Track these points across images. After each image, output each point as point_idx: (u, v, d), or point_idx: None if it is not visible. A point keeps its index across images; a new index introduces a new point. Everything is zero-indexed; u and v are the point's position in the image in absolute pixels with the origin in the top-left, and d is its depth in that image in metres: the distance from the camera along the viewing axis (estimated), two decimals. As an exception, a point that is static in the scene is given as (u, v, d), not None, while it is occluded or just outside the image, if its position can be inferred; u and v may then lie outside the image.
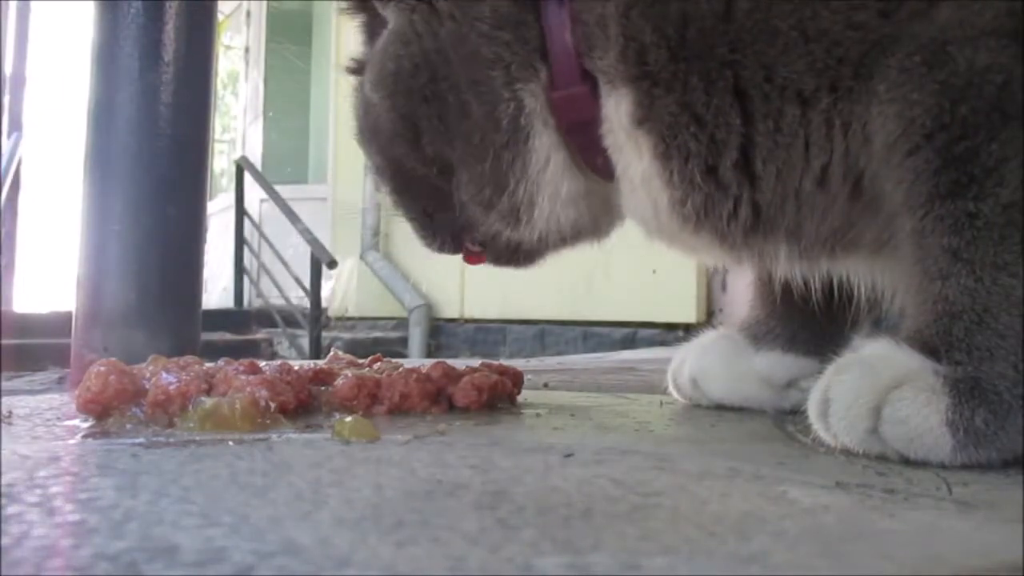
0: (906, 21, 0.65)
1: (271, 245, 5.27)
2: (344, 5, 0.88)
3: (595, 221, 0.85)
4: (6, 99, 5.64)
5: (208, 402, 0.74)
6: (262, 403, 0.75)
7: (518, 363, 1.43)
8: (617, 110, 0.75)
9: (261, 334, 5.29)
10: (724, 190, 0.73)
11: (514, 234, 0.83)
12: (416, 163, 0.83)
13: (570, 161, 0.79)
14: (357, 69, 0.89)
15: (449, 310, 4.74)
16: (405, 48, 0.80)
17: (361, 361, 0.98)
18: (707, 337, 0.96)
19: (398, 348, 4.69)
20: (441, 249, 0.91)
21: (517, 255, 0.87)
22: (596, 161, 0.79)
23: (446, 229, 0.88)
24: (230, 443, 0.66)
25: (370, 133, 0.87)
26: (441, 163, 0.82)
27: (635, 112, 0.73)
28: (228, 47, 7.57)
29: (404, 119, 0.81)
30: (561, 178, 0.80)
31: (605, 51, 0.74)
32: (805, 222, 0.73)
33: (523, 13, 0.76)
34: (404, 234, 0.96)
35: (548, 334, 4.18)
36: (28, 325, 3.79)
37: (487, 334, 4.50)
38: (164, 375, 0.77)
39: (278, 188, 5.28)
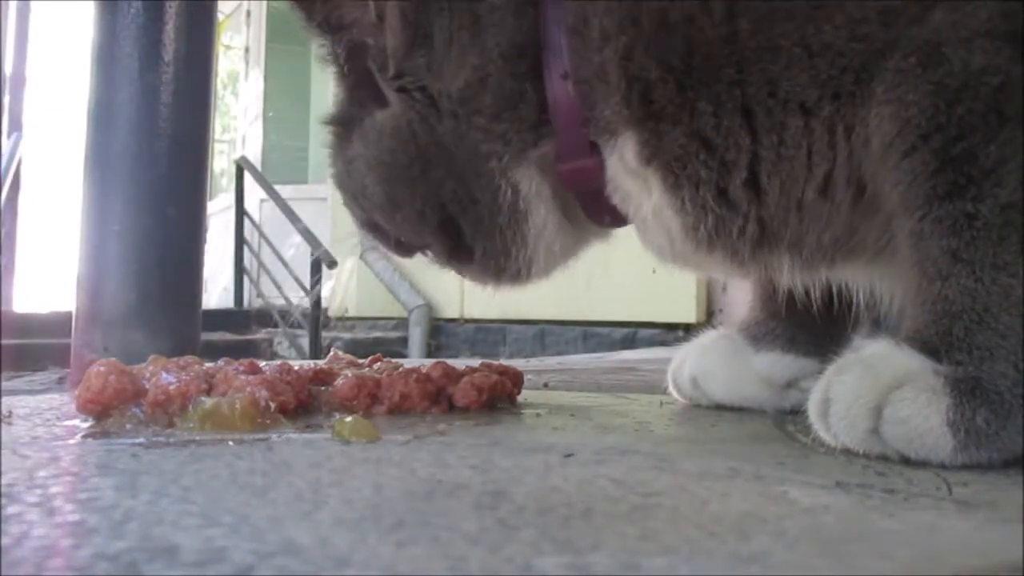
0: (904, 25, 0.65)
1: (271, 245, 5.27)
2: (320, 54, 0.87)
3: (578, 252, 0.89)
4: (6, 99, 5.64)
5: (208, 402, 0.74)
6: (262, 403, 0.75)
7: (518, 363, 1.43)
8: (622, 158, 0.75)
9: (261, 334, 5.29)
10: (735, 210, 0.73)
11: (515, 284, 0.87)
12: (399, 232, 0.88)
13: (563, 221, 0.83)
14: (336, 123, 0.89)
15: (449, 310, 4.74)
16: (402, 144, 0.81)
17: (361, 361, 0.98)
18: (707, 337, 0.96)
19: (398, 348, 4.69)
20: (409, 256, 0.94)
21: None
22: (603, 219, 0.83)
23: (416, 250, 0.92)
24: (230, 443, 0.66)
25: (356, 193, 0.88)
26: (425, 238, 0.86)
27: (642, 152, 0.74)
28: (228, 47, 7.57)
29: (396, 203, 0.84)
30: (555, 238, 0.84)
31: (606, 102, 0.74)
32: (807, 232, 0.73)
33: (524, 85, 0.77)
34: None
35: (548, 334, 4.18)
36: (28, 325, 3.79)
37: (487, 334, 4.50)
38: (164, 375, 0.77)
39: (278, 188, 5.28)
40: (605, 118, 0.75)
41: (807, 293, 0.83)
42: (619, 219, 0.82)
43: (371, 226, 0.91)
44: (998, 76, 0.62)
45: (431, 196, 0.82)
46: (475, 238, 0.83)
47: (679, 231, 0.76)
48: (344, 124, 0.88)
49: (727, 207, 0.73)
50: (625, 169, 0.76)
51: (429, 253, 0.90)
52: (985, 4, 0.63)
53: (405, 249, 0.92)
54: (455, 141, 0.79)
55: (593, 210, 0.83)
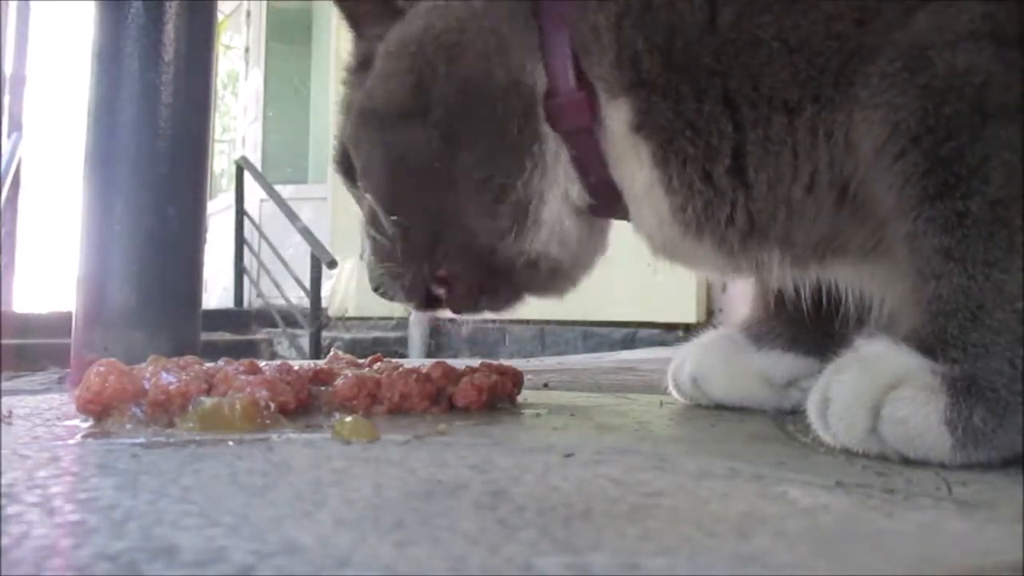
0: (884, 29, 0.66)
1: (271, 245, 5.27)
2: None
3: (576, 260, 0.85)
4: (6, 99, 5.64)
5: (208, 402, 0.74)
6: (262, 403, 0.75)
7: (518, 363, 1.43)
8: (616, 117, 0.76)
9: (261, 334, 5.29)
10: (721, 195, 0.74)
11: (515, 244, 0.80)
12: (419, 149, 0.80)
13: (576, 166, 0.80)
14: (358, 67, 0.88)
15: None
16: (437, 13, 0.80)
17: (361, 361, 0.98)
18: (707, 337, 0.96)
19: (398, 348, 4.69)
20: (409, 294, 0.86)
21: (489, 290, 0.85)
22: (590, 179, 0.80)
23: (418, 261, 0.84)
24: (230, 443, 0.66)
25: (374, 119, 0.83)
26: (449, 142, 0.79)
27: (633, 119, 0.75)
28: (228, 47, 7.57)
29: (420, 87, 0.79)
30: (571, 179, 0.80)
31: (602, 57, 0.75)
32: (795, 229, 0.74)
33: (526, 12, 0.78)
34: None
35: (548, 334, 4.18)
36: (28, 325, 3.79)
37: (487, 334, 4.50)
38: (164, 375, 0.77)
39: (278, 188, 5.28)
40: (601, 75, 0.75)
41: (797, 291, 0.83)
42: (604, 181, 0.79)
43: (385, 194, 0.84)
44: (980, 75, 0.63)
45: (457, 80, 0.78)
46: (482, 133, 0.78)
47: (668, 212, 0.76)
48: (363, 63, 0.87)
49: (713, 191, 0.74)
50: (621, 131, 0.76)
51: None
52: (966, 6, 0.64)
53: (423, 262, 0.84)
54: (486, 16, 0.78)
55: (582, 159, 0.79)
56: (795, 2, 0.68)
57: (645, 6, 0.73)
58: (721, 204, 0.74)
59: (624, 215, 0.83)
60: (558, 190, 0.80)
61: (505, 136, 0.78)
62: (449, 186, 0.80)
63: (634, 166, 0.77)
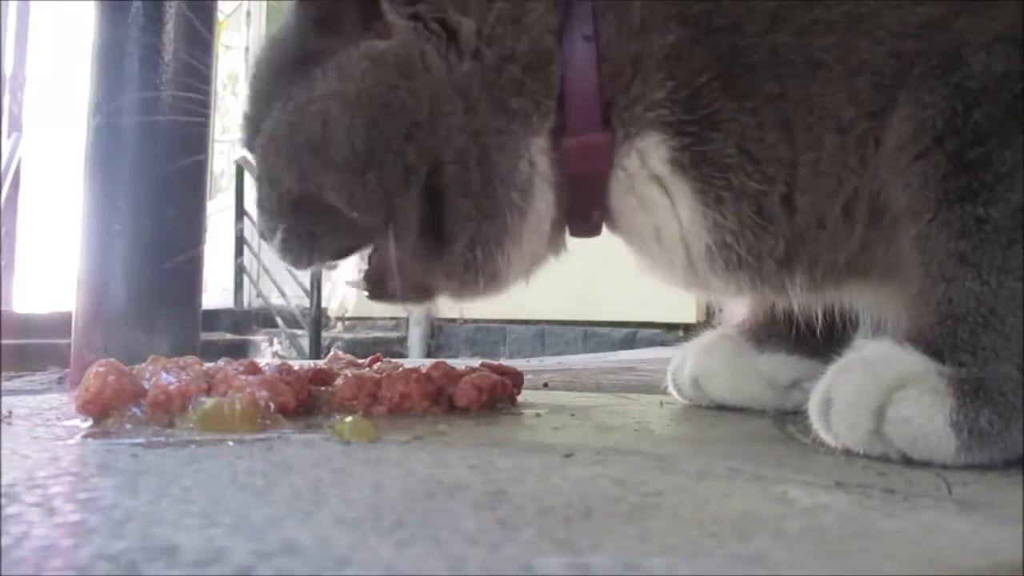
0: (930, 34, 0.65)
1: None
2: None
3: (536, 270, 0.82)
4: (6, 99, 5.63)
5: (208, 402, 0.74)
6: (262, 403, 0.75)
7: (518, 363, 1.43)
8: (645, 159, 0.72)
9: (261, 334, 5.29)
10: (770, 228, 0.71)
11: (486, 290, 0.78)
12: (356, 201, 0.73)
13: (557, 220, 0.77)
14: (284, 59, 0.76)
15: (449, 310, 4.72)
16: (410, 81, 0.71)
17: (361, 361, 0.98)
18: (708, 337, 0.96)
19: (398, 348, 4.69)
20: (308, 263, 0.82)
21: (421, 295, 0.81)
22: (591, 216, 0.77)
23: (327, 250, 0.80)
24: (230, 443, 0.66)
25: (305, 148, 0.73)
26: (393, 211, 0.73)
27: (677, 158, 0.71)
28: (228, 47, 7.57)
29: (376, 157, 0.71)
30: (545, 239, 0.77)
31: (642, 98, 0.71)
32: (824, 251, 0.72)
33: (552, 43, 0.72)
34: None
35: (548, 334, 4.17)
36: (28, 325, 3.79)
37: (487, 334, 4.50)
38: (164, 375, 0.77)
39: (278, 188, 5.27)
40: (635, 113, 0.71)
41: (810, 313, 0.82)
42: (600, 223, 0.78)
43: (300, 205, 0.76)
44: (1019, 81, 0.61)
45: (429, 151, 0.70)
46: (468, 217, 0.72)
47: (704, 251, 0.73)
48: (299, 60, 0.75)
49: (765, 224, 0.71)
50: (647, 174, 0.73)
51: (366, 257, 0.79)
52: (1008, 7, 0.63)
53: (334, 249, 0.79)
54: (479, 89, 0.71)
55: (584, 204, 0.75)
56: (858, 22, 0.66)
57: (707, 31, 0.69)
58: (768, 237, 0.71)
59: (595, 233, 0.80)
60: (529, 246, 0.76)
61: (492, 220, 0.73)
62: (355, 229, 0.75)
63: (663, 209, 0.73)
